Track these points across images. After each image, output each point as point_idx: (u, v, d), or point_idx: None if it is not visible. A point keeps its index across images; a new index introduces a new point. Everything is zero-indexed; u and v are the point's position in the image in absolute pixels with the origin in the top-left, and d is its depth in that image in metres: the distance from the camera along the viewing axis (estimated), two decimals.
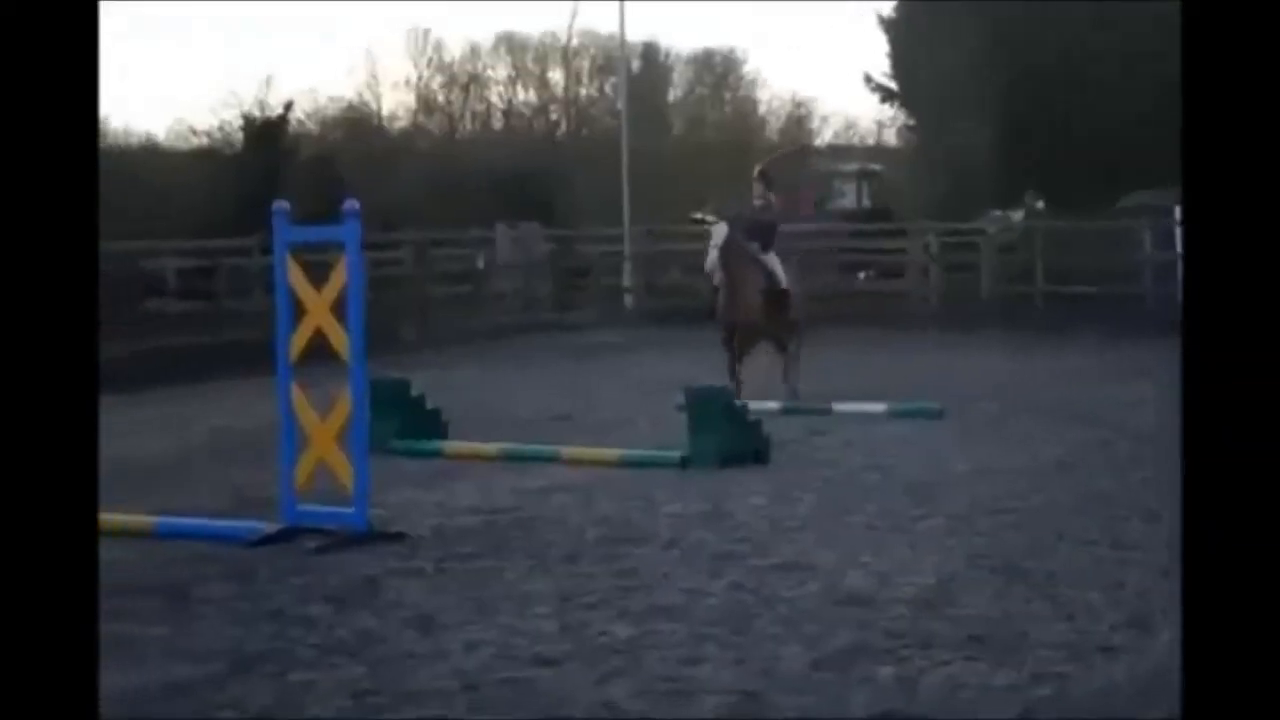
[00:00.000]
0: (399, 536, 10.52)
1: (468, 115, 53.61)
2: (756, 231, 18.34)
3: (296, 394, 10.86)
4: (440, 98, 53.30)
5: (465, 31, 78.88)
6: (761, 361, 18.38)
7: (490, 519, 11.27)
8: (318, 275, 10.93)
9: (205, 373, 22.03)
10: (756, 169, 19.94)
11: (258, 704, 6.96)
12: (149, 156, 43.20)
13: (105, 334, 22.01)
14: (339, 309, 10.70)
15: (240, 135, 42.06)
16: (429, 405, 14.71)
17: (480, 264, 32.82)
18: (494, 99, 54.08)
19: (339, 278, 10.71)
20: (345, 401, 10.65)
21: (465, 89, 53.50)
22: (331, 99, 49.62)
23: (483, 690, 7.12)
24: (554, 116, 54.02)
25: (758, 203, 18.50)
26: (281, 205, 11.16)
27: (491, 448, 14.13)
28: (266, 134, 40.45)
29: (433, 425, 14.59)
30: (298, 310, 10.88)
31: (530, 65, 53.89)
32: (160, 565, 9.96)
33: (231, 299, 27.42)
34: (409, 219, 34.06)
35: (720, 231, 17.78)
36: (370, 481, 10.67)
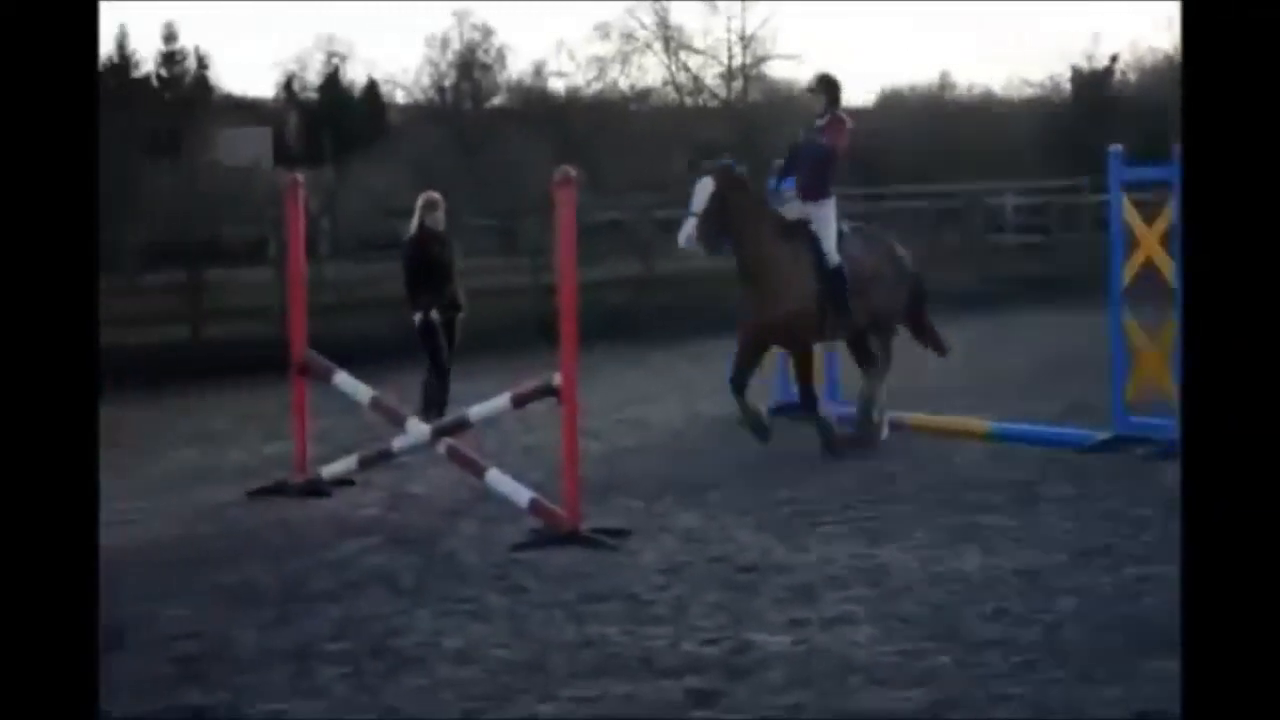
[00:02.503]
0: None
1: None
2: (796, 168, 10.99)
3: (1128, 318, 10.71)
4: None
5: None
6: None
7: None
8: (1143, 212, 10.76)
9: (1044, 299, 21.98)
10: (816, 75, 11.11)
11: (1097, 594, 6.93)
12: (988, 106, 43.35)
13: (956, 263, 22.05)
14: (1166, 242, 10.48)
15: (1069, 85, 41.68)
16: None
17: None
18: None
19: (1166, 213, 10.48)
20: (1172, 325, 10.42)
21: None
22: (1151, 49, 48.19)
23: None
24: None
25: (819, 122, 10.83)
26: (1117, 148, 10.99)
27: None
28: (1093, 83, 39.94)
29: None
30: (1129, 243, 10.71)
31: None
32: (1006, 465, 10.09)
33: (1062, 233, 27.21)
34: None
35: (703, 191, 10.41)
36: None
